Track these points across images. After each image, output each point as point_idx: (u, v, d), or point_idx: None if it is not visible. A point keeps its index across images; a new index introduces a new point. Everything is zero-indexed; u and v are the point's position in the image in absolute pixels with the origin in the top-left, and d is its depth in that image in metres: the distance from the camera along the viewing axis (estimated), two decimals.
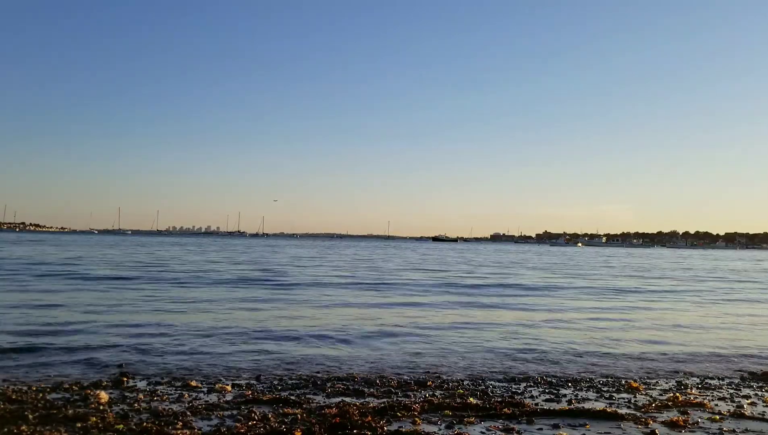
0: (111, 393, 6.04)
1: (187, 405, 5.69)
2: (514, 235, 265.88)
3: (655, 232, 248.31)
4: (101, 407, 5.46)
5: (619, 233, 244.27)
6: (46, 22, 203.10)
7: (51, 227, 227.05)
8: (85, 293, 16.36)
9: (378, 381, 7.02)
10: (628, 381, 7.22)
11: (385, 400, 6.07)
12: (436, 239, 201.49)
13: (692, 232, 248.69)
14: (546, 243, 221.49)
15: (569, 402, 6.16)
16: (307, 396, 6.17)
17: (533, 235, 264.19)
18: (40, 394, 5.89)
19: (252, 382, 6.92)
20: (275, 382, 6.88)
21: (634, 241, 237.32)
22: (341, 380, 7.03)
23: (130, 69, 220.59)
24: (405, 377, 7.33)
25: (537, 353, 9.15)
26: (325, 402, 5.94)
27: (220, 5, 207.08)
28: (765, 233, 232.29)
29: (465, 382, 7.09)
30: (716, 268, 46.96)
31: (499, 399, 6.14)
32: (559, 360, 8.72)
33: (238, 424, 5.05)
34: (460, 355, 8.92)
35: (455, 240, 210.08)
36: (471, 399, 6.11)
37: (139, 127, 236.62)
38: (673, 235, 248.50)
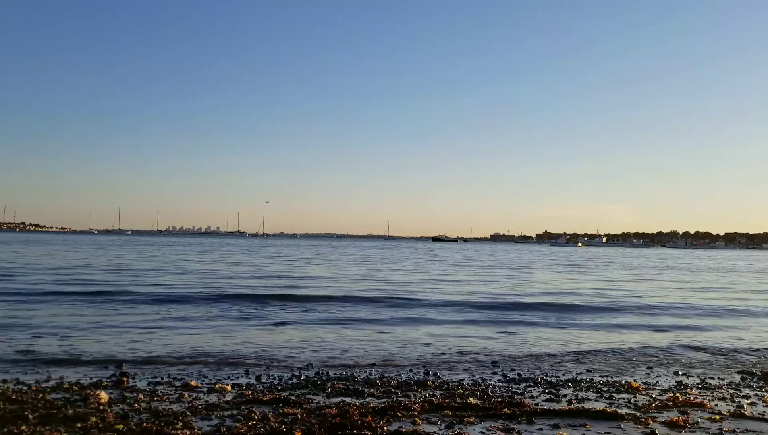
0: (111, 393, 6.04)
1: (187, 405, 5.68)
2: (514, 235, 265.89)
3: (655, 232, 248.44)
4: (101, 407, 5.46)
5: (619, 233, 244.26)
6: (46, 22, 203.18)
7: (51, 227, 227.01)
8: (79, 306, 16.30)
9: (378, 381, 7.02)
10: (628, 381, 7.22)
11: (385, 400, 6.07)
12: (436, 239, 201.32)
13: (692, 232, 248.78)
14: (546, 243, 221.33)
15: (569, 402, 6.15)
16: (307, 396, 6.17)
17: (533, 235, 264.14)
18: (40, 394, 5.88)
19: (252, 382, 6.91)
20: (275, 382, 6.88)
21: (634, 241, 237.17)
22: (341, 380, 7.03)
23: (130, 69, 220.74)
24: (404, 377, 7.33)
25: None
26: (325, 402, 5.94)
27: (221, 5, 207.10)
28: (765, 233, 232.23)
29: (465, 382, 7.09)
30: None
31: (499, 399, 6.14)
32: None
33: (238, 424, 5.05)
34: None
35: (455, 240, 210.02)
36: (471, 399, 6.11)
37: (139, 127, 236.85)
38: (673, 235, 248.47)
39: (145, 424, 4.96)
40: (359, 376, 7.33)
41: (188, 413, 5.38)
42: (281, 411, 5.49)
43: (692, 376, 7.84)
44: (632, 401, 6.28)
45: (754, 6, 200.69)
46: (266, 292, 17.30)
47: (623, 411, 5.79)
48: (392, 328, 11.49)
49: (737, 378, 7.77)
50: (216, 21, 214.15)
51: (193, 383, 6.63)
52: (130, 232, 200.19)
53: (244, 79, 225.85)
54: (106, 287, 17.65)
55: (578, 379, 7.44)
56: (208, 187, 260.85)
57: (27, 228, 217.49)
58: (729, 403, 6.31)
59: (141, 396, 5.99)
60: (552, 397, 6.39)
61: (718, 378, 7.75)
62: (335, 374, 7.39)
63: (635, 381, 7.24)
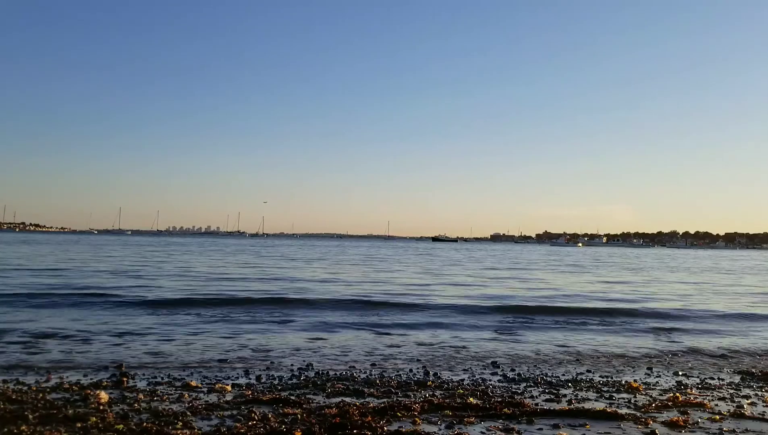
0: (111, 393, 6.04)
1: (187, 405, 5.68)
2: (514, 235, 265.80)
3: (655, 232, 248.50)
4: (101, 407, 5.46)
5: (619, 233, 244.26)
6: (46, 22, 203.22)
7: (51, 227, 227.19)
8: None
9: (378, 381, 7.02)
10: (628, 381, 7.22)
11: (385, 400, 6.07)
12: (436, 239, 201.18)
13: (692, 232, 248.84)
14: (546, 243, 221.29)
15: (569, 402, 6.15)
16: (307, 396, 6.17)
17: (533, 235, 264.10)
18: (40, 394, 5.89)
19: (252, 382, 6.91)
20: (275, 382, 6.87)
21: (634, 241, 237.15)
22: (341, 380, 7.02)
23: (129, 69, 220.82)
24: (404, 377, 7.32)
25: None
26: (325, 402, 5.94)
27: (221, 5, 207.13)
28: (765, 233, 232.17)
29: (465, 382, 7.09)
30: None
31: (499, 399, 6.14)
32: None
33: (238, 424, 5.05)
34: None
35: (455, 240, 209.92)
36: (471, 399, 6.11)
37: (139, 127, 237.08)
38: (673, 235, 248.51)
39: (145, 424, 4.96)
40: (359, 376, 7.32)
41: (188, 413, 5.38)
42: (281, 411, 5.49)
43: (692, 377, 7.84)
44: (632, 401, 6.27)
45: (754, 6, 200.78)
46: (268, 295, 17.29)
47: (623, 411, 5.79)
48: (394, 329, 11.48)
49: (737, 378, 7.77)
50: (216, 21, 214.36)
51: (193, 383, 6.62)
52: (130, 232, 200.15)
53: (244, 79, 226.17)
54: (107, 289, 17.64)
55: (578, 379, 7.44)
56: (208, 187, 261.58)
57: (27, 228, 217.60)
58: (729, 403, 6.31)
59: (141, 396, 5.99)
60: (552, 397, 6.39)
61: (718, 378, 7.74)
62: (335, 374, 7.39)
63: (635, 381, 7.24)
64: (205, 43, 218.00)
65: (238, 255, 46.42)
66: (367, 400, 6.11)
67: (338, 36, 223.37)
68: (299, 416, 5.33)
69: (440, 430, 5.14)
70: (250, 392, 6.25)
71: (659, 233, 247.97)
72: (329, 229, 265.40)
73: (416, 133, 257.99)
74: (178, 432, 4.81)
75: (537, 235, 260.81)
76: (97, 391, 5.93)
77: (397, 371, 7.71)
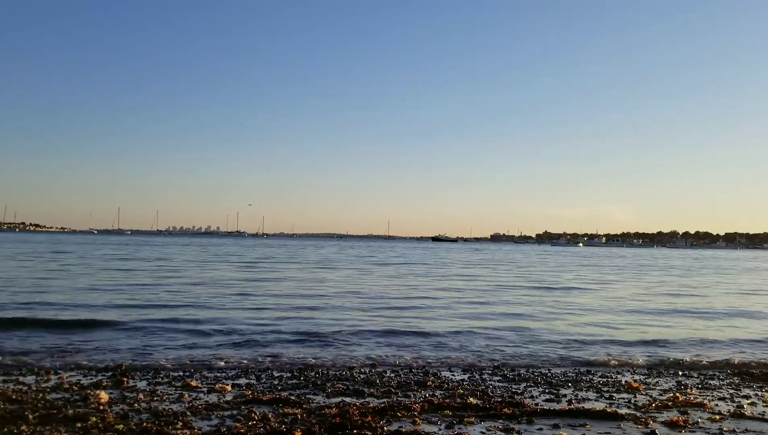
0: (111, 393, 6.04)
1: (187, 405, 5.68)
2: (514, 235, 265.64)
3: (655, 232, 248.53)
4: (101, 407, 5.46)
5: (619, 233, 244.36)
6: (47, 21, 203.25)
7: (51, 227, 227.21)
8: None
9: (378, 381, 7.01)
10: (628, 381, 7.22)
11: (385, 400, 6.07)
12: (436, 239, 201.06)
13: (692, 232, 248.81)
14: (546, 243, 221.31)
15: (569, 402, 6.15)
16: (307, 396, 6.17)
17: (533, 235, 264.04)
18: (40, 394, 5.89)
19: (252, 382, 6.91)
20: (275, 382, 6.87)
21: (635, 241, 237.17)
22: (341, 380, 7.02)
23: (130, 69, 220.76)
24: (404, 377, 7.32)
25: None
26: (325, 402, 5.94)
27: (221, 5, 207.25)
28: (765, 233, 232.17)
29: (465, 382, 7.09)
30: None
31: (499, 399, 6.14)
32: None
33: (238, 424, 5.05)
34: None
35: (455, 240, 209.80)
36: (471, 399, 6.11)
37: (139, 127, 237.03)
38: (673, 235, 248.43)
39: (145, 424, 4.96)
40: (359, 376, 7.32)
41: (188, 413, 5.38)
42: (281, 411, 5.49)
43: (692, 376, 7.84)
44: (632, 401, 6.27)
45: (754, 6, 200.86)
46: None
47: (623, 411, 5.79)
48: (395, 335, 11.49)
49: (737, 378, 7.77)
50: (217, 21, 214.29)
51: (193, 383, 6.62)
52: (129, 232, 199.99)
53: (244, 78, 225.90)
54: (109, 290, 17.64)
55: (578, 379, 7.44)
56: (208, 187, 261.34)
57: (27, 228, 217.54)
58: (729, 403, 6.31)
59: (141, 396, 5.99)
60: (552, 397, 6.39)
61: (718, 378, 7.74)
62: (335, 374, 7.39)
63: (635, 381, 7.24)
64: (206, 43, 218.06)
65: (249, 254, 45.30)
66: (367, 400, 6.10)
67: (338, 36, 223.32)
68: (299, 416, 5.32)
69: (440, 430, 5.14)
70: (250, 392, 6.25)
71: (659, 233, 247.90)
72: (329, 229, 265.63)
73: (416, 134, 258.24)
74: (178, 432, 4.81)
75: (537, 235, 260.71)
76: (97, 391, 5.93)
77: (397, 371, 7.71)
